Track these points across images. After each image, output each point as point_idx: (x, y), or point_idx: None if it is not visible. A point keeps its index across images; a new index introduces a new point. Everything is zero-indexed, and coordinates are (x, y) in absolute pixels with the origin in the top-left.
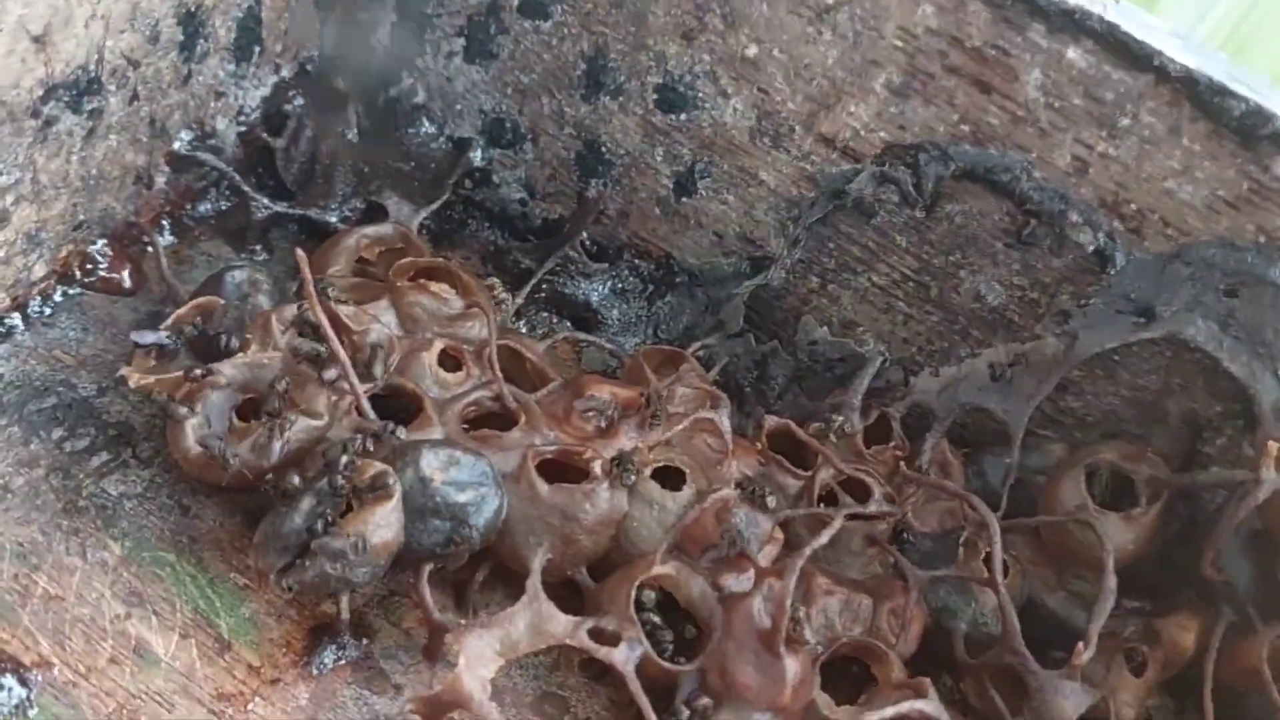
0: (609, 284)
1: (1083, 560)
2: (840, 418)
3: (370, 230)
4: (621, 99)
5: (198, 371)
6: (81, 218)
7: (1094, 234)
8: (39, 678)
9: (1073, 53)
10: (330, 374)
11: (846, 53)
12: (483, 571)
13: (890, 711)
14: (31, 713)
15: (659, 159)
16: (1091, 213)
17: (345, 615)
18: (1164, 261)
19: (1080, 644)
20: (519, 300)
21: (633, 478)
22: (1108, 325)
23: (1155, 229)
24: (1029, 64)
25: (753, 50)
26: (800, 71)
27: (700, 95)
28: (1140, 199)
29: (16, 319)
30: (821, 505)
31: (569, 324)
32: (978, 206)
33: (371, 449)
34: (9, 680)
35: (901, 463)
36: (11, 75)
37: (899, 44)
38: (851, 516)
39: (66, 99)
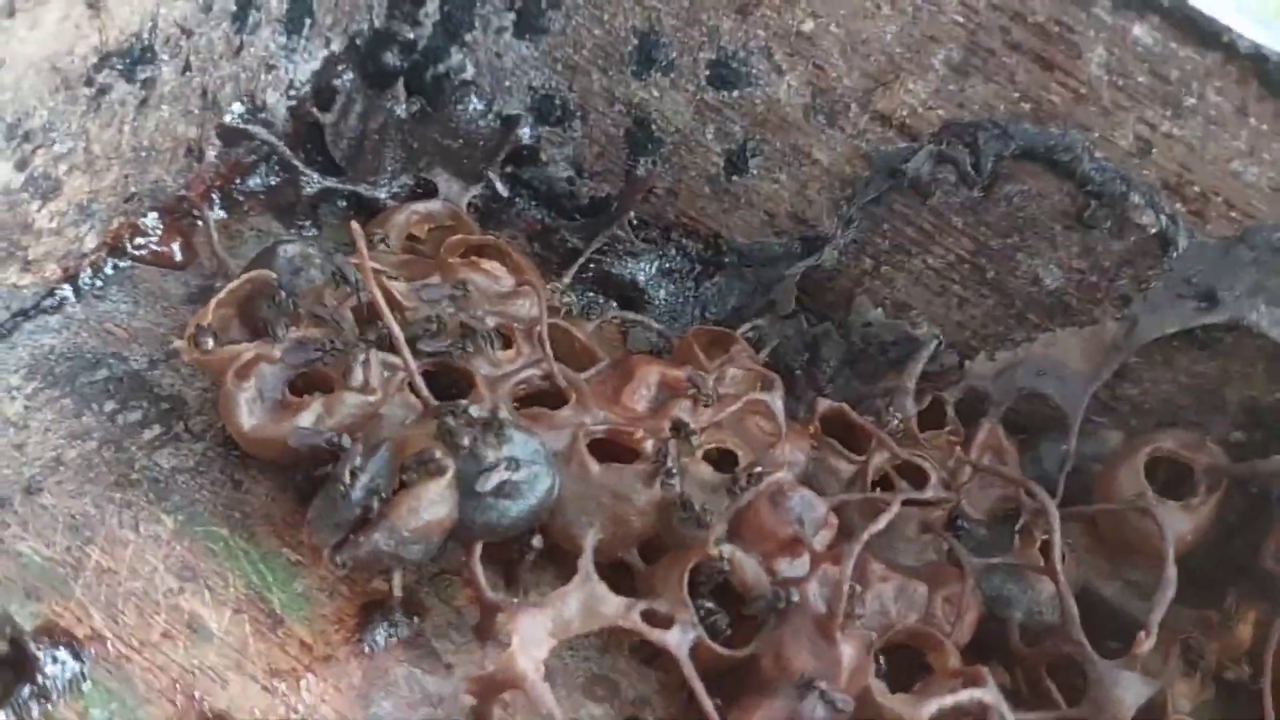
0: (656, 264)
1: (1140, 549)
2: (894, 414)
3: (420, 206)
4: (673, 75)
5: (253, 347)
6: (133, 189)
7: (1156, 216)
8: (92, 651)
9: (1138, 29)
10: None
11: (905, 28)
12: (533, 550)
13: (950, 700)
14: (85, 686)
15: (710, 136)
16: (1154, 194)
17: (398, 592)
18: (1227, 245)
19: (1142, 633)
20: (566, 279)
21: (693, 443)
22: (1168, 310)
23: (1219, 211)
24: (1093, 40)
25: (809, 25)
26: (857, 47)
27: (754, 71)
28: (1204, 181)
29: (68, 290)
30: (876, 490)
31: (615, 304)
32: (1037, 187)
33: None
34: (63, 654)
35: (957, 448)
36: (66, 42)
37: (960, 19)
38: (907, 502)
39: (120, 67)
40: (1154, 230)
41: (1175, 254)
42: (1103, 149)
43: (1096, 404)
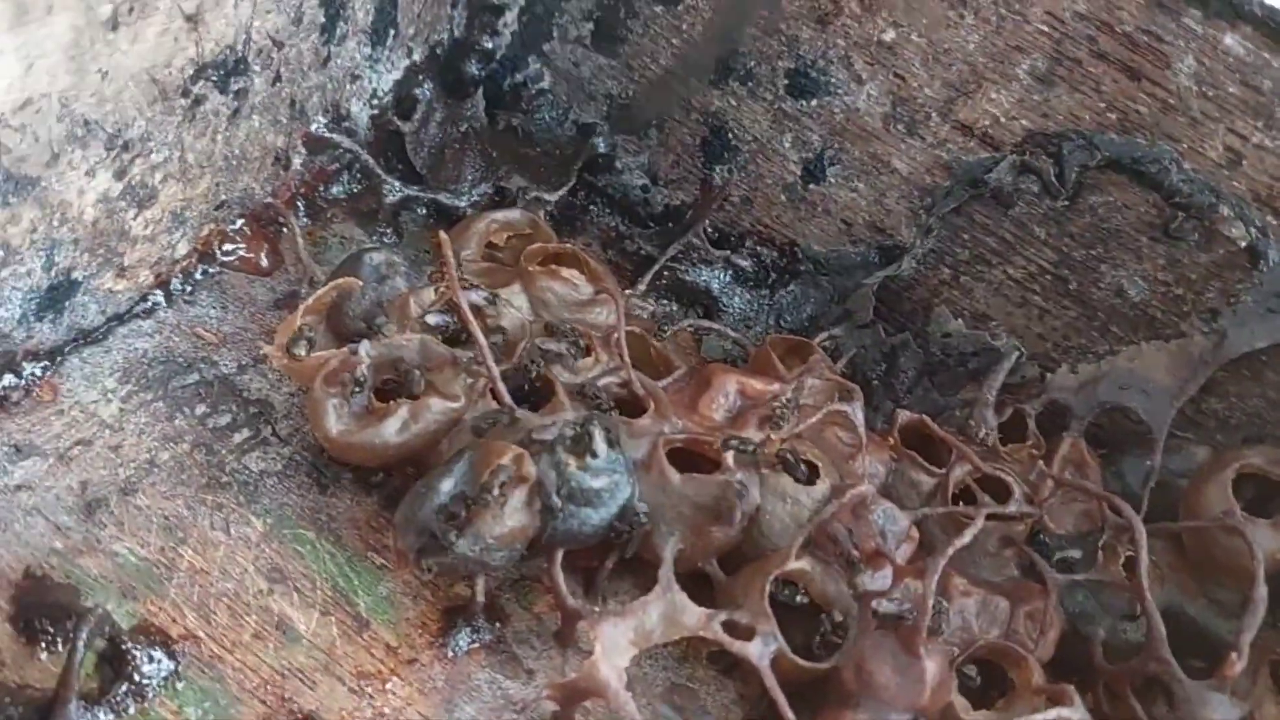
0: (730, 272)
1: (1226, 568)
2: (983, 427)
3: (499, 215)
4: (751, 84)
5: (340, 353)
6: (223, 197)
7: (1245, 229)
8: (186, 651)
9: (1229, 39)
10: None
11: (989, 37)
12: (612, 559)
13: (1037, 718)
14: (179, 685)
15: (787, 145)
16: (1244, 207)
17: (480, 598)
18: None
19: (1233, 654)
20: (640, 287)
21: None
22: (1258, 324)
23: None
24: (1182, 50)
25: (890, 35)
26: (939, 57)
27: (833, 80)
28: None
29: (160, 296)
30: (956, 504)
31: (690, 312)
32: (1122, 198)
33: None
34: (158, 653)
35: (1039, 462)
36: (165, 54)
37: (1045, 29)
38: (990, 516)
39: (214, 78)
40: (1243, 243)
41: (1265, 267)
42: (1191, 160)
43: (1181, 419)
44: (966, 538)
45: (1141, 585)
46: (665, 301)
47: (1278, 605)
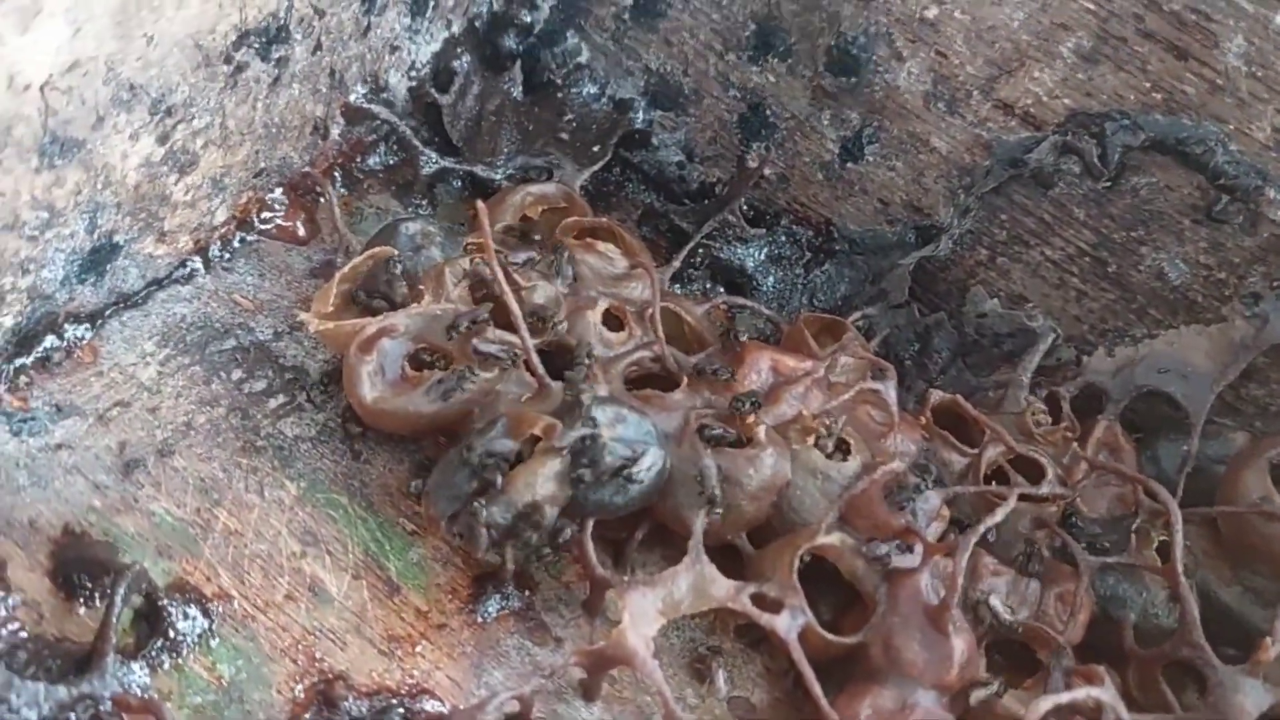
0: (766, 250)
1: (1262, 554)
2: (1037, 407)
3: (535, 188)
4: (790, 61)
5: (375, 321)
6: (262, 165)
7: None
8: (220, 609)
9: None
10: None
11: (1034, 15)
12: (642, 530)
13: (1066, 697)
14: (213, 643)
15: (825, 123)
16: None
17: (510, 565)
18: None
19: (1267, 639)
20: (675, 263)
21: (750, 414)
22: None
23: None
24: (1231, 30)
25: (933, 11)
26: (982, 34)
27: (874, 58)
28: None
29: (198, 262)
30: (991, 484)
31: (723, 289)
32: (1165, 180)
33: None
34: (193, 610)
35: (1074, 444)
36: (209, 20)
37: (1091, 6)
38: (1022, 497)
39: (256, 45)
40: None
41: None
42: (1238, 141)
43: (1220, 405)
44: (999, 516)
45: (1176, 569)
46: (699, 279)
47: None
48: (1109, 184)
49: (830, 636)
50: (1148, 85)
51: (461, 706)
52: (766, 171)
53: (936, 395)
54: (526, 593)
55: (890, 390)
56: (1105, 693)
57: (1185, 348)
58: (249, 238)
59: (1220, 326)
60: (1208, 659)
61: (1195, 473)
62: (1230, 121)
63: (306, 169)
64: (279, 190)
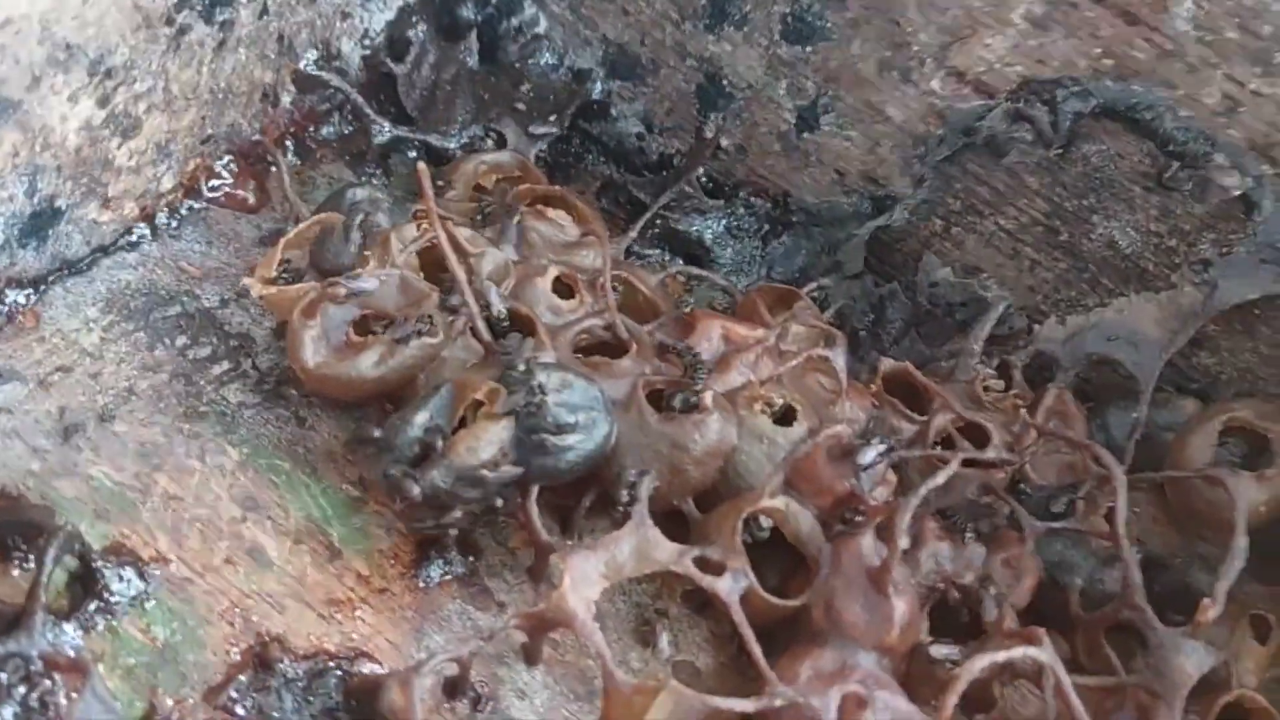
0: (723, 222)
1: (1209, 520)
2: (986, 374)
3: (489, 157)
4: (746, 29)
5: (319, 285)
6: (209, 131)
7: (1241, 178)
8: (157, 572)
9: None
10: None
11: None
12: (589, 497)
13: (1001, 656)
14: (149, 605)
15: (782, 92)
16: (1239, 155)
17: (453, 531)
18: None
19: (1206, 600)
20: (632, 235)
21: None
22: (1250, 275)
23: None
24: None
25: None
26: (935, 1)
27: (828, 25)
28: None
29: (145, 229)
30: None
31: (681, 260)
32: (1116, 147)
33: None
34: (129, 573)
35: (1022, 411)
36: None
37: None
38: (969, 462)
39: (199, 8)
40: (1238, 193)
41: (1260, 218)
42: (1187, 108)
43: (1171, 373)
44: (940, 479)
45: (1119, 533)
46: (658, 250)
47: (1265, 562)
48: (1061, 152)
49: (773, 599)
50: (1098, 51)
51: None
52: (723, 142)
53: (887, 363)
54: (470, 558)
55: (839, 357)
56: (1043, 653)
57: (1135, 315)
58: (197, 205)
59: (1169, 294)
60: (1149, 621)
61: (1146, 441)
62: (1180, 87)
63: (256, 137)
64: (228, 157)
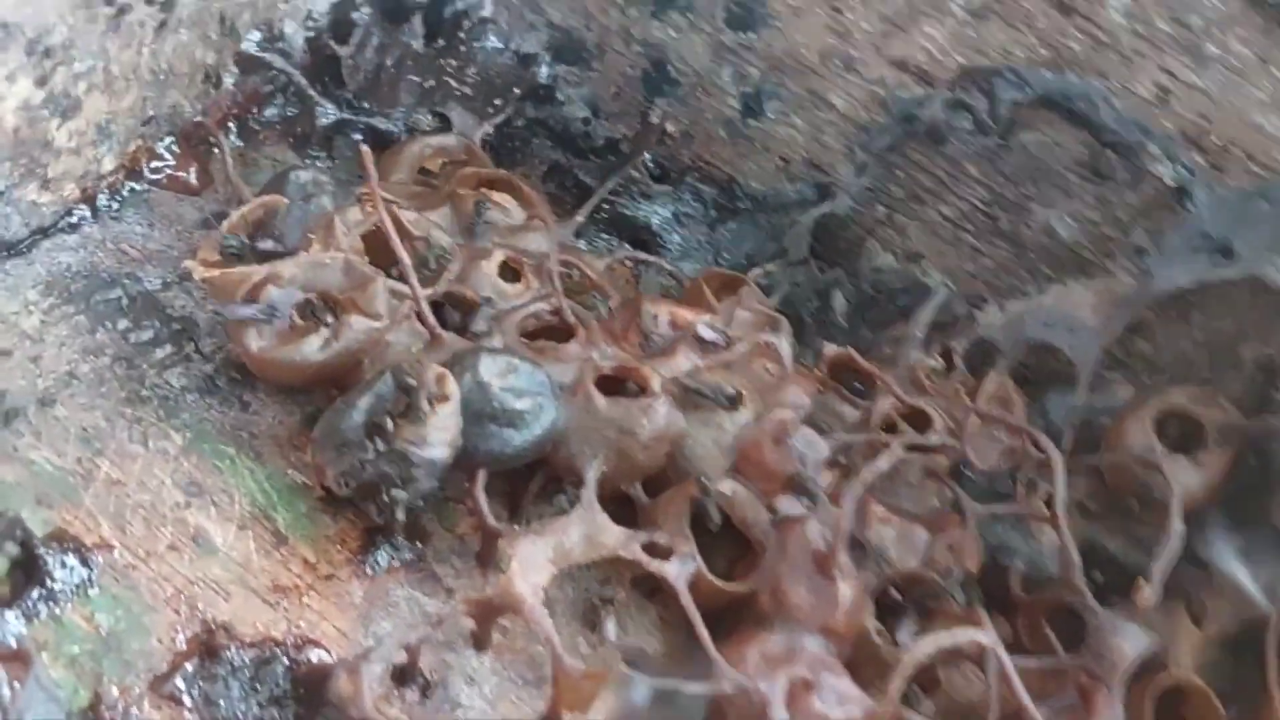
0: (670, 207)
1: (1145, 504)
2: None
3: (434, 140)
4: (691, 15)
5: (263, 269)
6: (151, 113)
7: (1173, 167)
8: (100, 559)
9: None
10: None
11: None
12: (537, 482)
13: (946, 640)
14: (92, 592)
15: (726, 79)
16: (1171, 145)
17: (400, 517)
18: (1246, 198)
19: (1140, 579)
20: (579, 219)
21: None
22: (1183, 263)
23: (1238, 164)
24: None
25: None
26: None
27: (771, 13)
28: (1224, 132)
29: (85, 211)
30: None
31: (628, 245)
32: (1054, 136)
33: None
34: (72, 560)
35: (964, 397)
36: None
37: None
38: (911, 447)
39: None
40: (1171, 182)
41: (1192, 207)
42: (1121, 98)
43: (1109, 359)
44: (883, 463)
45: (1058, 515)
46: (605, 236)
47: (1200, 547)
48: (1000, 140)
49: (720, 583)
50: (1035, 41)
51: (348, 657)
52: (670, 128)
53: (831, 349)
54: (418, 544)
55: (784, 342)
56: (985, 635)
57: (1072, 302)
58: (138, 187)
59: (1106, 281)
60: (1087, 602)
61: (1085, 426)
62: (1114, 77)
63: (199, 118)
64: (170, 139)
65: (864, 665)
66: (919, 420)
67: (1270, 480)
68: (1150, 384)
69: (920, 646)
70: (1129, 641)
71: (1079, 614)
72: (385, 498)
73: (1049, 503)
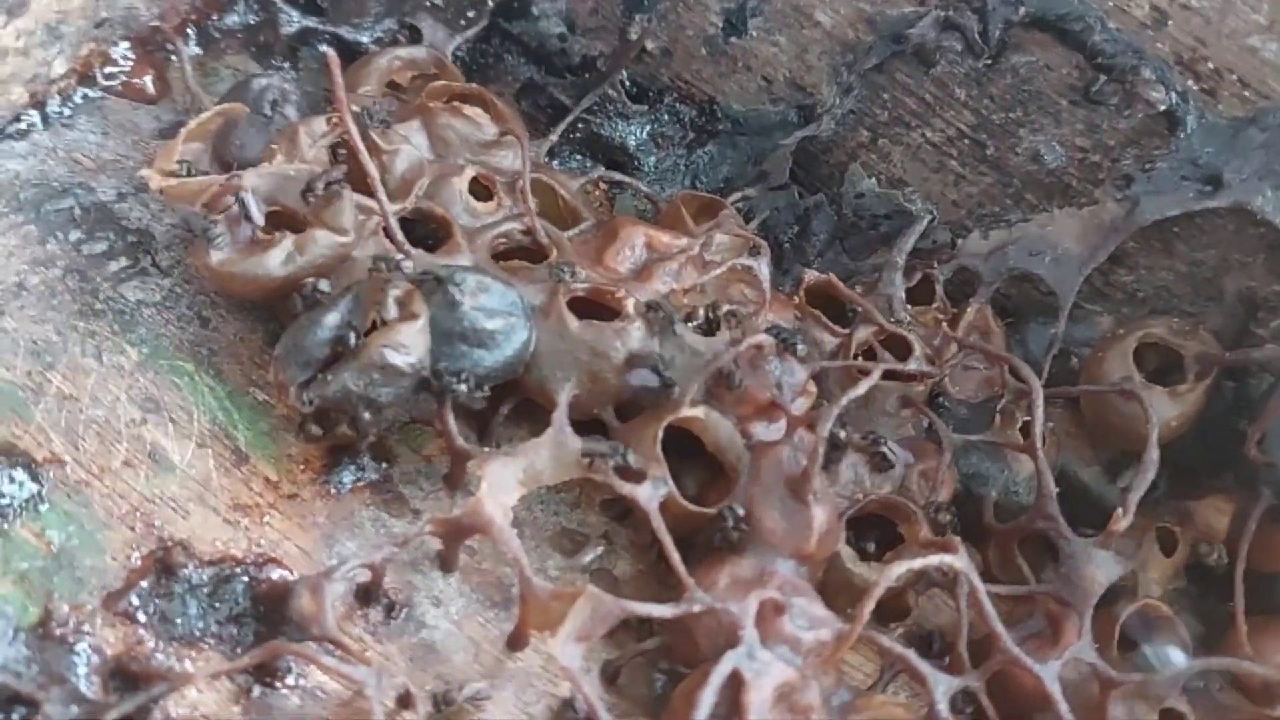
0: (648, 128)
1: (1123, 434)
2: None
3: (403, 52)
4: None
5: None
6: (104, 14)
7: (1166, 93)
8: (50, 474)
9: None
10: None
11: None
12: (508, 405)
13: (918, 563)
14: (42, 508)
15: None
16: (1165, 70)
17: (370, 436)
18: (1238, 126)
19: (1118, 511)
20: (553, 138)
21: (673, 325)
22: (1171, 192)
23: (1232, 90)
24: None
25: None
26: None
27: None
28: (1219, 57)
29: (35, 117)
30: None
31: (604, 166)
32: (1045, 59)
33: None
34: (20, 474)
35: (944, 325)
36: None
37: None
38: (889, 375)
39: None
40: (1163, 108)
41: (1183, 134)
42: (1116, 19)
43: (1090, 290)
44: (861, 389)
45: (1034, 445)
46: (580, 156)
47: (1173, 479)
48: (990, 62)
49: (692, 507)
50: None
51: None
52: (648, 45)
53: (811, 275)
54: (384, 465)
55: (763, 267)
56: (958, 560)
57: (1057, 230)
58: (91, 94)
59: (1091, 209)
60: (1060, 530)
61: (1064, 356)
62: None
63: (156, 22)
64: (125, 44)
65: (835, 590)
66: (899, 347)
67: (1244, 414)
68: (1131, 316)
69: (892, 570)
70: (1101, 569)
71: (1051, 543)
72: (351, 415)
73: (1025, 432)
